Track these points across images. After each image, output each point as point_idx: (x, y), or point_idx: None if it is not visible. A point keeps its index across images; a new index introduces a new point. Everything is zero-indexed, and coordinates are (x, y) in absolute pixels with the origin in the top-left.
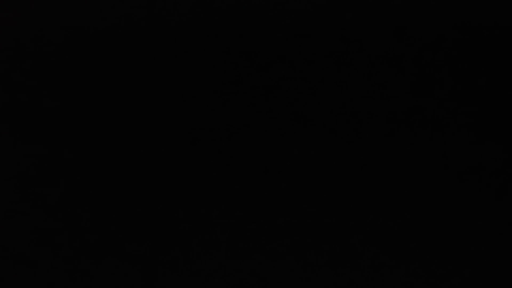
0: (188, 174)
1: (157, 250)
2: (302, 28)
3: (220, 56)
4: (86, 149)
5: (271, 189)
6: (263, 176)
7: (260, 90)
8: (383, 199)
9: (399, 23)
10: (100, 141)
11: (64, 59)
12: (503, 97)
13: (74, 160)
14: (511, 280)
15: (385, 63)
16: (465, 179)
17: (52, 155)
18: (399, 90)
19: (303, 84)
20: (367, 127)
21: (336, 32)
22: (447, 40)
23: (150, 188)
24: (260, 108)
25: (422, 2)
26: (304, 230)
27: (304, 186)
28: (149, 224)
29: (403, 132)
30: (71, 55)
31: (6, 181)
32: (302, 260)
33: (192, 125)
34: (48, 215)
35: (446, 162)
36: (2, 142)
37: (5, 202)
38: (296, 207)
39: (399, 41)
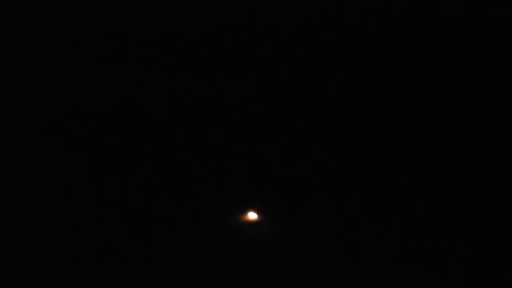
0: (189, 174)
1: (157, 250)
2: (302, 30)
3: (219, 57)
4: (86, 149)
5: (271, 189)
6: (263, 176)
7: (259, 92)
8: (383, 199)
9: (400, 25)
10: (100, 142)
11: (66, 61)
12: (503, 97)
13: (74, 160)
14: (511, 280)
15: (385, 65)
16: (464, 179)
17: (53, 155)
18: (399, 91)
19: (303, 84)
20: (368, 127)
21: (337, 34)
22: (448, 42)
23: (150, 188)
24: (260, 109)
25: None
26: (304, 230)
27: (304, 187)
28: (149, 224)
29: (403, 133)
30: (73, 56)
31: (7, 181)
32: (302, 260)
33: (192, 126)
34: (48, 215)
35: (446, 163)
36: (3, 142)
37: (5, 202)
38: (296, 207)
39: (399, 43)
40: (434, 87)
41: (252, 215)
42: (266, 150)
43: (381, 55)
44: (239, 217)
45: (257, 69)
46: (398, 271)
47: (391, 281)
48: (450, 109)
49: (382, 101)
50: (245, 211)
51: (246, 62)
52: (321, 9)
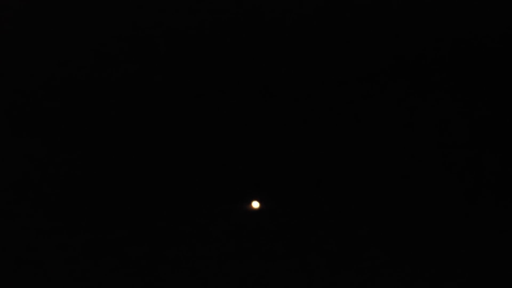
0: (188, 175)
1: (157, 250)
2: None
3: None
4: (86, 150)
5: (275, 179)
6: (263, 176)
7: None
8: (383, 199)
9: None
10: (100, 142)
11: (65, 63)
12: (502, 100)
13: (74, 161)
14: (511, 280)
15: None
16: (465, 179)
17: (53, 155)
18: (399, 90)
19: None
20: (369, 128)
21: (338, 34)
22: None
23: (150, 189)
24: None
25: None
26: (305, 230)
27: (305, 186)
28: (149, 224)
29: (403, 133)
30: (73, 58)
31: (7, 181)
32: (302, 260)
33: (192, 128)
34: (48, 215)
35: (447, 162)
36: (3, 143)
37: (5, 202)
38: (296, 207)
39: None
40: (434, 87)
41: (255, 204)
42: (268, 142)
43: (381, 54)
44: (243, 207)
45: (258, 65)
46: (400, 268)
47: (392, 275)
48: (451, 109)
49: (384, 98)
50: (248, 200)
51: (245, 60)
52: (321, 10)
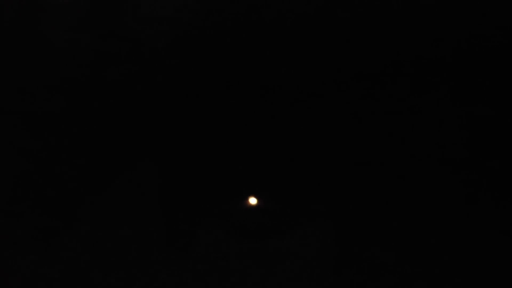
0: (188, 175)
1: (157, 250)
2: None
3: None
4: (86, 150)
5: (272, 189)
6: (263, 176)
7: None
8: (383, 199)
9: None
10: (100, 142)
11: (66, 63)
12: (502, 99)
13: (74, 161)
14: (511, 280)
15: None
16: (465, 180)
17: (53, 155)
18: (398, 90)
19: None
20: (369, 127)
21: (338, 34)
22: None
23: (149, 188)
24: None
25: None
26: (304, 230)
27: (305, 186)
28: (149, 224)
29: (403, 133)
30: (74, 59)
31: (7, 181)
32: (302, 260)
33: (191, 127)
34: (48, 215)
35: (447, 162)
36: (3, 143)
37: (5, 202)
38: (296, 208)
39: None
40: (434, 87)
41: (253, 201)
42: (268, 142)
43: (381, 54)
44: (242, 206)
45: (258, 65)
46: (400, 268)
47: (392, 275)
48: (451, 109)
49: (384, 98)
50: (248, 200)
51: (245, 60)
52: (321, 10)
